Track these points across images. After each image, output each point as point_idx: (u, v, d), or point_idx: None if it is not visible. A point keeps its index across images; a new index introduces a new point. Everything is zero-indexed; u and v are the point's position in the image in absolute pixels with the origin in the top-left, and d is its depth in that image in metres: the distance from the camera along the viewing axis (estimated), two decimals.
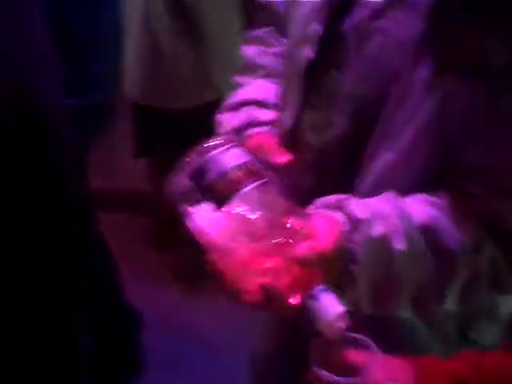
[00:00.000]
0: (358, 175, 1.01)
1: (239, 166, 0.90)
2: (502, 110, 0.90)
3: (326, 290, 0.85)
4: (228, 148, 0.92)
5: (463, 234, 0.94)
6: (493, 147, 0.92)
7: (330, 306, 0.84)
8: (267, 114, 1.17)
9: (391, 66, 0.95)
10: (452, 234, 0.94)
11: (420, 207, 0.95)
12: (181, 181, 0.92)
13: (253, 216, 0.87)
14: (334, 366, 0.86)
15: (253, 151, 1.01)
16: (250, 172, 0.90)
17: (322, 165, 1.07)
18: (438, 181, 0.97)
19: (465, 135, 0.92)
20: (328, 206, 0.95)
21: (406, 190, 0.97)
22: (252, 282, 0.86)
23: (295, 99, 1.10)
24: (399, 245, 0.92)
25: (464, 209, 0.95)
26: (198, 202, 0.90)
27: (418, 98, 0.94)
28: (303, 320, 0.86)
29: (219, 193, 0.89)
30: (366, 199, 0.97)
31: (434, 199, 0.97)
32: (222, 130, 1.19)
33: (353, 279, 0.92)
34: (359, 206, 0.95)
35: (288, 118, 1.11)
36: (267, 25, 1.24)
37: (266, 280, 0.85)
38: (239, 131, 1.15)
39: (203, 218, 0.89)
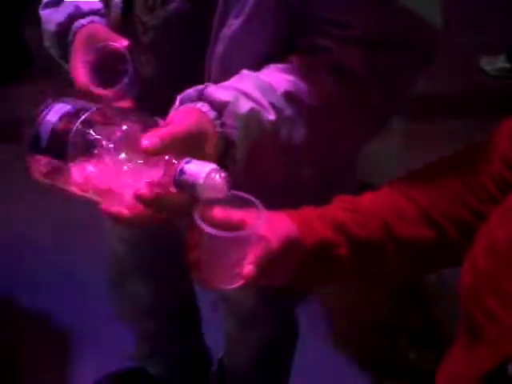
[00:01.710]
0: (205, 52, 1.00)
1: (60, 118, 0.88)
2: None
3: (189, 161, 0.83)
4: (51, 106, 0.90)
5: (322, 89, 0.97)
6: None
7: (200, 168, 0.83)
8: (91, 4, 1.13)
9: None
10: (312, 92, 0.96)
11: (276, 76, 0.96)
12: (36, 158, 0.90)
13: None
14: (218, 224, 0.86)
15: (88, 43, 1.03)
16: (73, 115, 0.88)
17: (163, 46, 1.06)
18: (288, 43, 0.99)
19: None
20: (190, 99, 0.93)
21: (256, 58, 0.98)
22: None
23: None
24: (269, 116, 0.94)
25: (317, 65, 0.97)
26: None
27: None
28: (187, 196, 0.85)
29: (56, 152, 0.87)
30: (223, 83, 0.96)
31: (286, 65, 0.98)
32: (47, 27, 1.15)
33: (233, 160, 0.92)
34: (219, 90, 0.93)
35: (118, 2, 1.09)
36: None
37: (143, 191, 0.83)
38: (66, 26, 1.12)
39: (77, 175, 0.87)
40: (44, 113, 0.89)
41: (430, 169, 1.01)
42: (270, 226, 0.89)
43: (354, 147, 1.14)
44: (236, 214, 0.88)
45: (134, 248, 1.56)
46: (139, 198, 0.82)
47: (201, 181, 0.82)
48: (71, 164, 0.86)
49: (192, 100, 0.93)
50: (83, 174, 0.85)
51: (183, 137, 0.85)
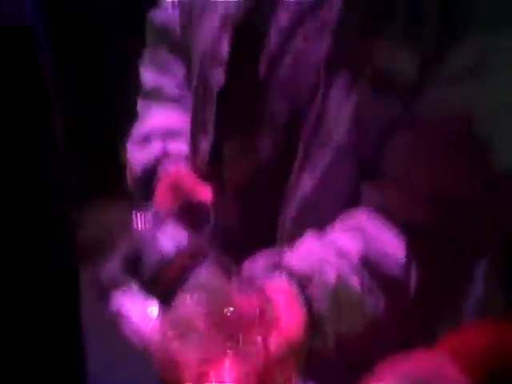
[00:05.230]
0: (282, 204, 0.95)
1: (181, 249, 0.76)
2: (411, 123, 0.86)
3: None
4: (161, 223, 0.78)
5: (396, 254, 0.88)
6: (407, 158, 0.88)
7: None
8: (180, 145, 1.09)
9: (304, 86, 0.90)
10: (388, 259, 0.88)
11: (350, 241, 0.89)
12: (112, 266, 0.77)
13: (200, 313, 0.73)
14: None
15: (172, 191, 0.99)
16: (193, 255, 0.77)
17: (246, 197, 1.00)
18: (357, 198, 0.92)
19: (380, 148, 0.88)
20: (261, 273, 0.85)
21: (330, 213, 0.92)
22: None
23: (211, 125, 1.00)
24: (354, 283, 0.86)
25: (389, 225, 0.89)
26: (129, 291, 0.76)
27: (332, 117, 0.89)
28: None
29: (162, 285, 0.74)
30: (296, 250, 0.88)
31: (356, 223, 0.90)
32: (132, 165, 1.10)
33: (323, 337, 0.83)
34: (299, 260, 0.85)
35: (204, 148, 1.02)
36: (161, 44, 1.15)
37: None
38: (151, 169, 1.08)
39: (141, 314, 0.75)
40: (153, 230, 0.76)
41: None
42: None
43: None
44: None
45: None
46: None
47: None
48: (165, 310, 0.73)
49: (263, 273, 0.84)
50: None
51: (298, 340, 0.78)
